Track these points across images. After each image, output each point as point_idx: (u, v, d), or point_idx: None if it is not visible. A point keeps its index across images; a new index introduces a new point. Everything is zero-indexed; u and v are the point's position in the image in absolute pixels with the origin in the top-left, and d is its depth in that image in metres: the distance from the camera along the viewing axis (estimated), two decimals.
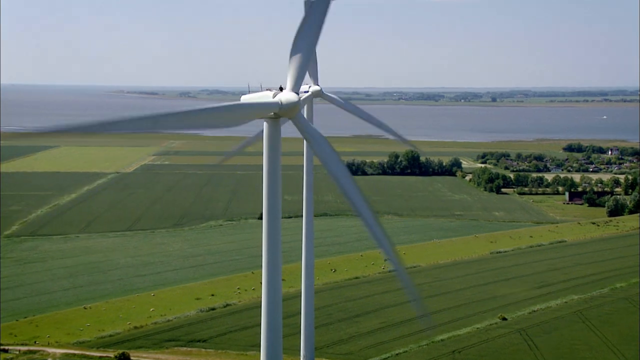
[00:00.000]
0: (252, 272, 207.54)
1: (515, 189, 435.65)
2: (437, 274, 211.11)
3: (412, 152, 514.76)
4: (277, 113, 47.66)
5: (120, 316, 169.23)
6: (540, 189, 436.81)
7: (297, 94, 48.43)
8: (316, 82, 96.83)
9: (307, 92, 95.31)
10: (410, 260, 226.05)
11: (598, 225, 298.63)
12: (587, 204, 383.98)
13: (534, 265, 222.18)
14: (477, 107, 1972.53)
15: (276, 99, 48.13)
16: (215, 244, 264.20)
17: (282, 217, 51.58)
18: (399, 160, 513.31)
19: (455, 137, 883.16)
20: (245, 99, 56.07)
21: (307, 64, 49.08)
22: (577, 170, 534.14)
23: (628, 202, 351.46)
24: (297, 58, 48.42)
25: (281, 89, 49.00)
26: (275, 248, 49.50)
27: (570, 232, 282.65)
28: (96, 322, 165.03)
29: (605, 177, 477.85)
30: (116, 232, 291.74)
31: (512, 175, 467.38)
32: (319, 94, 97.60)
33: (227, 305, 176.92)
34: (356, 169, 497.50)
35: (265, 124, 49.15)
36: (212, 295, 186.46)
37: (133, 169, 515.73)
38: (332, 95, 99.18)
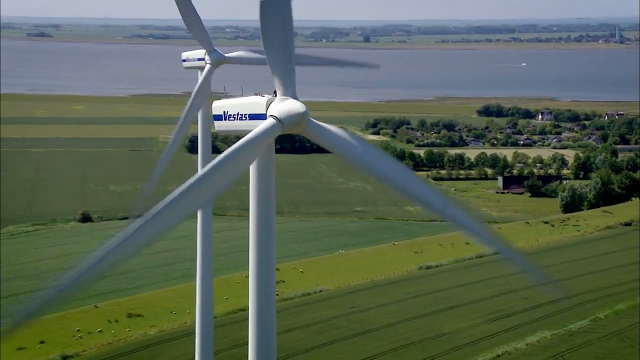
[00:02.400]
0: (95, 306, 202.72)
1: (428, 173, 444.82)
2: (351, 302, 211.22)
3: None
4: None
5: None
6: (462, 172, 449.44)
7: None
8: (212, 48, 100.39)
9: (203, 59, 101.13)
10: (309, 283, 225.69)
11: (553, 226, 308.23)
12: (529, 194, 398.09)
13: (480, 287, 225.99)
14: (345, 49, 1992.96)
15: (274, 111, 46.10)
16: (27, 262, 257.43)
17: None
18: None
19: (327, 96, 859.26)
20: (218, 105, 53.13)
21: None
22: (504, 144, 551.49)
23: (587, 192, 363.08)
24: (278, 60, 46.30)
25: (275, 93, 47.03)
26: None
27: (518, 236, 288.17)
28: None
29: (544, 153, 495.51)
30: None
31: (421, 153, 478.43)
32: (222, 61, 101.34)
33: (66, 357, 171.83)
34: None
35: None
36: (42, 342, 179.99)
37: None
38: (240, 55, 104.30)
